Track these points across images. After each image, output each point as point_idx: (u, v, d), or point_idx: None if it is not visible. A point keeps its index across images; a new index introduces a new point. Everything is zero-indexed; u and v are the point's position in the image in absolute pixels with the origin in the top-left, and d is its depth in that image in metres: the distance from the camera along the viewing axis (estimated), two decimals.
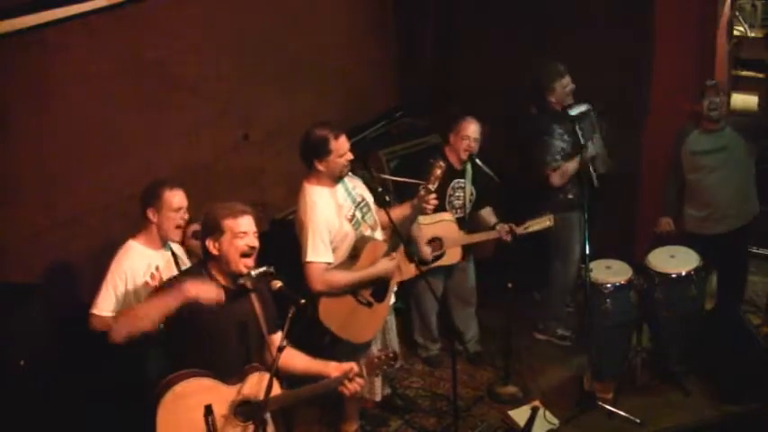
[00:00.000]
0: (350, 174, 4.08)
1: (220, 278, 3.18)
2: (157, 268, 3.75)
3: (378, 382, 4.34)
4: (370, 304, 4.12)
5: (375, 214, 4.20)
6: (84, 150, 4.35)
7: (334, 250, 3.98)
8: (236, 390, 3.17)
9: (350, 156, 3.96)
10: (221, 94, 5.10)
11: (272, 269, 3.23)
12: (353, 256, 4.05)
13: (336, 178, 4.00)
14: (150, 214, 3.71)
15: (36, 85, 4.09)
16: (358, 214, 4.09)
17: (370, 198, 4.20)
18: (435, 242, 4.79)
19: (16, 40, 3.90)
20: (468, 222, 4.96)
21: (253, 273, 3.18)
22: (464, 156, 4.74)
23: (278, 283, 3.21)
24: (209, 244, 3.14)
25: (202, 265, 3.22)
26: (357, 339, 4.08)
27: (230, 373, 3.18)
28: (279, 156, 5.48)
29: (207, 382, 3.12)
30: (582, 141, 4.85)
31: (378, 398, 4.43)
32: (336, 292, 3.97)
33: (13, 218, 4.08)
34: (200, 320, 3.10)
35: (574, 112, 4.88)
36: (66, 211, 4.30)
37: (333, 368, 3.35)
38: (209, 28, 4.97)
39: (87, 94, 4.32)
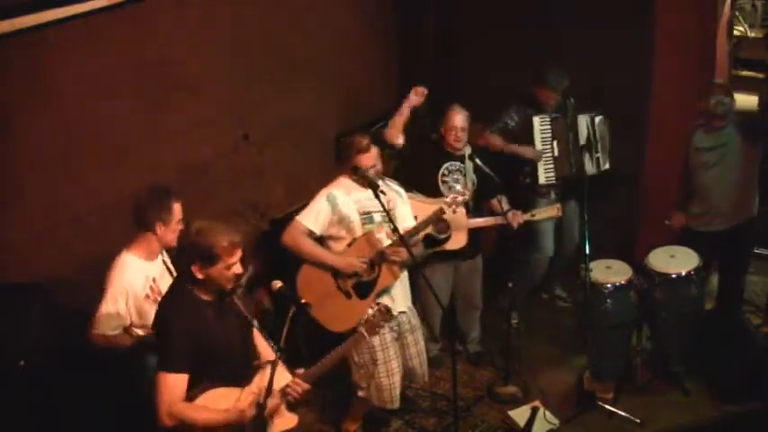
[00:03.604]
0: (393, 186, 4.35)
1: (203, 294, 3.15)
2: (154, 280, 3.73)
3: (396, 389, 4.32)
4: (348, 295, 4.18)
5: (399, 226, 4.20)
6: (85, 150, 4.34)
7: (337, 237, 4.17)
8: (250, 390, 3.20)
9: (375, 169, 4.14)
10: (221, 94, 5.09)
11: (251, 269, 3.24)
12: (349, 245, 4.18)
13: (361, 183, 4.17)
14: (158, 228, 3.65)
15: (36, 85, 4.08)
16: (377, 217, 4.19)
17: (403, 213, 4.33)
18: (441, 224, 4.79)
19: (16, 40, 3.90)
20: (474, 209, 4.94)
21: (242, 281, 3.19)
22: (456, 146, 4.78)
23: (278, 283, 3.22)
24: (196, 269, 3.07)
25: (182, 285, 3.15)
26: (328, 325, 4.13)
27: (240, 375, 3.20)
28: (279, 156, 5.48)
29: (221, 391, 3.14)
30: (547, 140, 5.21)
31: (396, 405, 4.40)
32: (299, 254, 4.16)
33: (13, 218, 4.08)
34: (206, 346, 3.10)
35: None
36: (67, 211, 4.29)
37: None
38: (209, 28, 4.96)
39: (87, 94, 4.31)
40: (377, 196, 4.04)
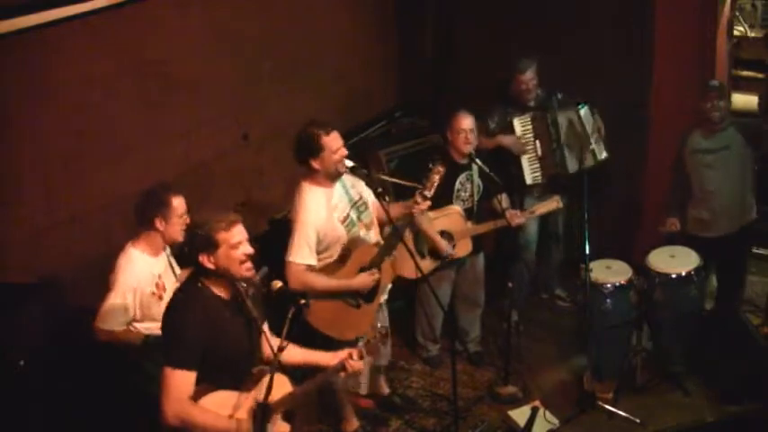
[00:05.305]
0: (350, 171, 4.03)
1: (219, 291, 3.09)
2: (160, 276, 3.76)
3: (363, 377, 4.33)
4: (358, 305, 4.13)
5: (372, 213, 4.18)
6: (85, 150, 4.35)
7: (326, 249, 3.99)
8: (251, 396, 3.15)
9: (344, 151, 3.93)
10: (221, 94, 5.10)
11: (265, 270, 3.21)
12: (343, 258, 4.04)
13: (333, 176, 3.97)
14: (158, 223, 3.69)
15: (36, 85, 4.08)
16: (353, 214, 4.08)
17: (369, 196, 4.18)
18: (445, 236, 4.78)
19: (16, 40, 3.90)
20: (477, 213, 4.93)
21: (257, 279, 3.16)
22: (465, 150, 4.69)
23: (278, 283, 3.21)
24: (204, 259, 3.02)
25: (197, 280, 3.09)
26: (345, 337, 4.07)
27: (242, 379, 3.17)
28: (278, 156, 5.46)
29: (223, 394, 3.09)
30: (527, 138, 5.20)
31: (363, 391, 4.43)
32: (313, 293, 3.96)
33: (13, 218, 4.08)
34: (217, 346, 3.05)
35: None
36: (67, 211, 4.30)
37: (329, 357, 3.38)
38: (209, 28, 4.97)
39: (87, 94, 4.31)
40: (377, 197, 4.01)
